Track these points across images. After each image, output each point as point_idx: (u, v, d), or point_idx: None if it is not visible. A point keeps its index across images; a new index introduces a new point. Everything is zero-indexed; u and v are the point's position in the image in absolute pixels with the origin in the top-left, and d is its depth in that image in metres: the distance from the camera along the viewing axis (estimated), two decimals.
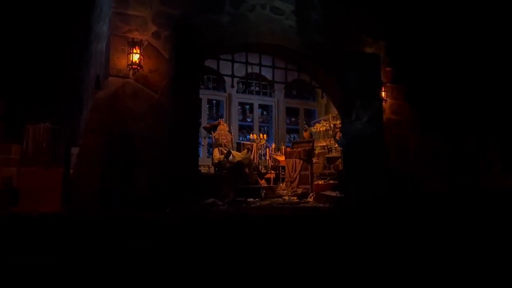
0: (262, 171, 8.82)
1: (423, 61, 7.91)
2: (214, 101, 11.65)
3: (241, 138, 10.84)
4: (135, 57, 5.33)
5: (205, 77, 11.47)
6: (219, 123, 8.27)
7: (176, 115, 5.49)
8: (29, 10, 7.30)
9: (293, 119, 12.59)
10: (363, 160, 6.58)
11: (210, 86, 11.46)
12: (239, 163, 7.50)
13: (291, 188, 7.84)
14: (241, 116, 12.13)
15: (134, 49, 5.34)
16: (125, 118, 5.37)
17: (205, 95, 11.16)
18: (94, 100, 5.22)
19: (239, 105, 12.02)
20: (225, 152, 7.79)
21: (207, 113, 11.66)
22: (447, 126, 7.93)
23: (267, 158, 9.29)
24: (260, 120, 12.21)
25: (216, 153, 7.78)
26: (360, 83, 6.73)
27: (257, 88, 12.04)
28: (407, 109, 7.71)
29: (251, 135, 9.69)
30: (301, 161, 7.83)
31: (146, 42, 5.61)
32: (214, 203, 6.37)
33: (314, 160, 8.34)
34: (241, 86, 11.80)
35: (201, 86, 11.50)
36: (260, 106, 12.11)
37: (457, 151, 7.89)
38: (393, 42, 7.68)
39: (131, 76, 5.45)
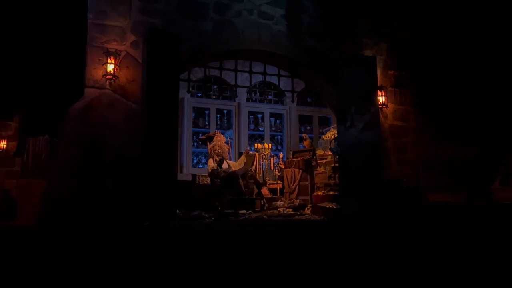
0: (267, 180, 8.55)
1: (430, 63, 7.38)
2: (226, 111, 11.55)
3: (253, 148, 10.61)
4: (110, 68, 5.27)
5: (215, 86, 11.45)
6: (214, 134, 8.10)
7: (154, 125, 5.35)
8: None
9: (308, 127, 12.24)
10: (359, 170, 6.17)
11: (213, 95, 11.36)
12: (232, 173, 7.28)
13: (289, 200, 7.51)
14: (253, 126, 11.93)
15: (109, 59, 5.28)
16: (101, 130, 5.30)
17: (214, 104, 11.08)
18: (69, 112, 5.19)
19: (251, 115, 11.83)
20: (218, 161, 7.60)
21: (218, 123, 11.57)
22: (460, 133, 7.32)
23: (272, 168, 9.00)
24: (273, 129, 11.95)
25: (211, 163, 7.61)
26: (355, 88, 6.35)
27: (269, 97, 11.82)
28: (413, 115, 7.21)
29: (256, 144, 9.44)
30: (300, 171, 7.49)
31: (124, 52, 5.55)
32: (200, 216, 6.18)
33: (321, 169, 7.95)
34: (253, 95, 11.63)
35: (213, 96, 11.50)
36: (273, 114, 11.87)
37: (470, 162, 7.26)
38: (396, 44, 7.23)
39: (107, 86, 5.40)
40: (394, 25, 7.21)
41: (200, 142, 9.09)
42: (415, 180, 6.90)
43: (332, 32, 6.84)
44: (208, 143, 8.03)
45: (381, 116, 6.92)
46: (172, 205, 5.47)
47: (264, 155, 8.87)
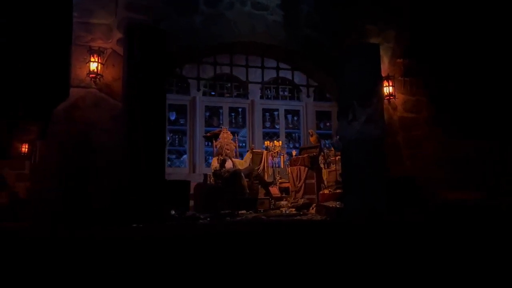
0: (278, 179, 8.24)
1: (444, 50, 6.80)
2: (240, 109, 11.32)
3: (263, 146, 10.33)
4: (93, 66, 5.17)
5: (228, 84, 11.24)
6: (220, 131, 7.87)
7: (137, 124, 5.19)
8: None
9: (327, 124, 11.81)
10: (361, 166, 5.75)
11: (227, 93, 11.15)
12: (235, 173, 7.03)
13: (294, 199, 7.16)
14: (269, 123, 11.64)
15: (92, 57, 5.18)
16: (87, 129, 5.20)
17: (227, 103, 10.90)
18: (54, 112, 5.13)
19: (267, 112, 11.55)
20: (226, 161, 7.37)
21: (233, 121, 11.36)
22: (478, 126, 6.68)
23: (282, 166, 8.68)
24: (291, 126, 11.61)
25: (214, 162, 7.40)
26: (357, 78, 5.92)
27: (284, 93, 11.50)
28: (426, 105, 6.66)
29: (265, 142, 9.14)
30: (306, 169, 7.12)
31: (110, 50, 5.43)
32: (194, 217, 5.98)
33: (333, 167, 7.55)
34: (267, 92, 11.35)
35: (227, 94, 11.31)
36: (289, 111, 11.53)
37: (490, 156, 6.61)
38: (404, 30, 6.71)
39: (93, 86, 5.30)
40: (402, 10, 6.69)
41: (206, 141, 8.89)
42: (428, 176, 6.35)
43: (333, 21, 6.43)
44: (214, 141, 7.82)
45: (389, 108, 6.46)
46: (159, 205, 5.28)
47: (274, 152, 8.55)
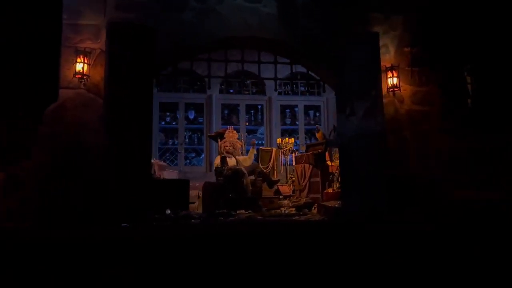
0: (289, 178, 7.99)
1: (458, 36, 6.22)
2: (260, 106, 11.13)
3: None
4: (79, 67, 5.21)
5: (248, 81, 11.09)
6: (225, 130, 7.75)
7: (119, 123, 5.16)
8: None
9: None
10: (360, 164, 5.41)
11: (246, 90, 10.98)
12: (237, 170, 6.87)
13: (296, 198, 6.88)
14: (290, 120, 11.37)
15: (78, 58, 5.22)
16: (76, 130, 5.25)
17: (244, 100, 10.75)
18: (44, 113, 5.23)
19: (287, 108, 11.29)
20: (228, 158, 7.23)
21: (252, 119, 11.20)
22: (497, 119, 6.06)
23: (294, 164, 8.40)
24: (312, 122, 11.26)
25: (217, 160, 7.28)
26: (356, 69, 5.59)
27: (303, 88, 11.16)
28: (437, 97, 6.12)
29: (278, 139, 8.89)
30: (310, 167, 6.81)
31: (99, 51, 5.44)
32: (188, 216, 5.89)
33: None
34: (284, 87, 11.08)
35: (246, 92, 11.16)
36: (309, 107, 11.19)
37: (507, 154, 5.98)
38: (412, 16, 6.21)
39: (82, 86, 5.34)
40: None
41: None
42: (438, 174, 5.85)
43: (333, 9, 6.07)
44: (219, 140, 7.71)
45: (395, 100, 6.02)
46: (144, 206, 5.23)
47: (285, 150, 8.29)
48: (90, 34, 5.49)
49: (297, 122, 11.15)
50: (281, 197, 7.53)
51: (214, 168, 7.20)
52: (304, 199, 6.61)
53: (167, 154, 10.59)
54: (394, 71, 5.87)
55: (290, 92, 11.01)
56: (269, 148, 8.29)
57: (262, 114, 10.94)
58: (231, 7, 5.85)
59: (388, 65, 5.89)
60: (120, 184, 5.01)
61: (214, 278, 3.04)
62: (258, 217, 5.86)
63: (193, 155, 10.89)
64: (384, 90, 5.90)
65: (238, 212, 6.29)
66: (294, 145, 8.45)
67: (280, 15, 5.97)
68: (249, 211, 6.41)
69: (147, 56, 5.31)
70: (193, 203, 8.06)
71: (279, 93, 10.88)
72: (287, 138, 8.55)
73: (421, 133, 6.01)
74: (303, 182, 6.92)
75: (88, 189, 5.05)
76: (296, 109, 11.18)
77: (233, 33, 5.86)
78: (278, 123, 10.72)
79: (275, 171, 7.97)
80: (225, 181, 6.86)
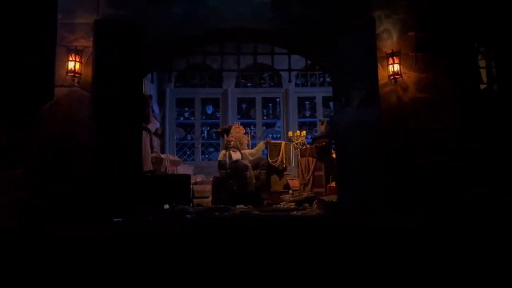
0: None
1: (471, 18, 5.75)
2: (278, 99, 10.97)
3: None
4: (71, 65, 5.32)
5: (265, 75, 10.96)
6: (231, 127, 7.70)
7: (116, 121, 5.24)
8: None
9: None
10: (356, 157, 5.16)
11: (264, 83, 10.84)
12: (237, 164, 6.79)
13: (299, 193, 6.68)
14: (309, 112, 11.13)
15: (70, 56, 5.33)
16: (70, 127, 5.38)
17: (260, 93, 10.64)
18: (39, 111, 5.39)
19: (306, 100, 11.05)
20: (232, 152, 7.16)
21: (270, 112, 11.06)
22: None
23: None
24: (332, 114, 10.94)
25: (222, 154, 7.24)
26: (351, 56, 5.32)
27: (321, 79, 10.87)
28: (444, 84, 5.69)
29: (289, 132, 8.70)
30: (314, 160, 6.59)
31: (91, 49, 5.53)
32: (183, 211, 5.89)
33: None
34: (301, 79, 10.83)
35: (264, 85, 11.03)
36: (328, 98, 10.87)
37: None
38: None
39: (76, 84, 5.46)
40: None
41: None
42: (446, 169, 5.46)
43: None
44: (226, 136, 7.66)
45: (398, 88, 5.67)
46: (136, 201, 5.28)
47: (296, 143, 8.09)
48: (84, 33, 5.58)
49: (316, 114, 10.89)
50: (290, 191, 7.37)
51: (218, 162, 7.16)
52: (306, 193, 6.41)
53: (185, 149, 10.69)
54: (395, 57, 5.51)
55: (307, 83, 10.76)
56: (278, 141, 8.13)
57: (280, 107, 10.78)
58: None
59: (389, 51, 5.55)
60: (109, 181, 5.09)
61: (193, 277, 2.97)
62: (255, 212, 5.74)
63: (212, 150, 10.93)
64: (385, 77, 5.58)
65: (237, 206, 6.22)
66: (306, 138, 8.21)
67: (274, 3, 5.79)
68: (249, 205, 6.31)
69: (136, 52, 5.34)
70: (207, 197, 8.09)
71: (296, 85, 10.66)
72: (298, 131, 8.33)
73: (426, 123, 5.62)
74: (307, 176, 6.71)
75: (81, 185, 5.16)
76: (316, 100, 10.92)
77: (224, 24, 5.76)
78: (295, 115, 10.52)
79: (284, 165, 7.80)
80: (227, 174, 6.80)
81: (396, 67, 5.51)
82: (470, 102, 5.67)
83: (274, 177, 7.56)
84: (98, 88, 5.08)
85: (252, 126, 10.74)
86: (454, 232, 4.08)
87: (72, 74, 5.34)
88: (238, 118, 10.70)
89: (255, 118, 10.78)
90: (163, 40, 5.69)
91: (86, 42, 5.56)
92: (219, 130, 8.17)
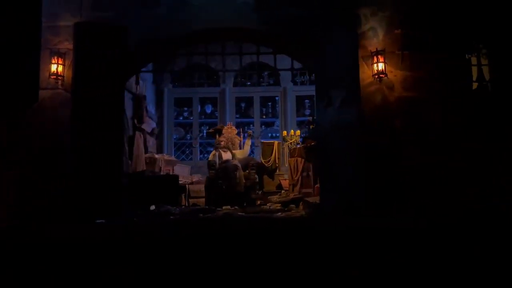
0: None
1: (461, 13, 5.59)
2: (277, 98, 10.90)
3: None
4: (53, 68, 5.37)
5: (265, 73, 10.89)
6: (222, 127, 7.67)
7: (97, 123, 5.27)
8: None
9: None
10: (338, 157, 5.09)
11: (262, 82, 10.77)
12: (227, 164, 6.77)
13: (288, 193, 6.62)
14: (310, 111, 11.01)
15: (53, 59, 5.38)
16: (55, 129, 5.43)
17: (258, 92, 10.59)
18: (24, 113, 5.46)
19: (306, 99, 10.95)
20: (223, 152, 7.14)
21: (270, 111, 10.99)
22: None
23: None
24: None
25: (211, 155, 7.22)
26: (334, 56, 5.24)
27: None
28: (432, 82, 5.55)
29: (284, 132, 8.63)
30: (302, 160, 6.52)
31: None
32: (167, 212, 5.90)
33: None
34: (301, 77, 10.74)
35: (263, 83, 10.96)
36: None
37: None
38: None
39: (60, 86, 5.51)
40: None
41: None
42: (433, 168, 5.33)
43: None
44: (218, 136, 7.64)
45: (383, 88, 5.55)
46: (118, 201, 5.31)
47: (290, 143, 8.02)
48: (68, 35, 5.62)
49: (315, 113, 10.76)
50: (282, 191, 7.33)
51: (207, 162, 7.15)
52: (293, 194, 6.35)
53: (183, 148, 10.71)
54: (379, 56, 5.39)
55: (306, 81, 10.66)
56: (271, 141, 8.07)
57: (279, 106, 10.71)
58: None
59: (378, 49, 5.43)
60: (90, 182, 5.12)
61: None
62: (239, 213, 5.71)
63: (211, 149, 10.91)
64: (371, 77, 5.47)
65: (223, 207, 6.20)
66: (300, 138, 8.13)
67: (258, 2, 5.72)
68: (236, 206, 6.29)
69: (118, 54, 5.35)
70: (203, 197, 8.09)
71: (295, 84, 10.56)
72: (292, 131, 8.26)
73: (413, 122, 5.50)
74: (295, 176, 6.64)
75: (63, 186, 5.22)
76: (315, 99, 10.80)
77: (208, 24, 5.73)
78: (294, 114, 10.42)
79: (277, 165, 7.75)
80: (216, 174, 6.79)
81: (381, 66, 5.39)
82: (460, 101, 5.52)
83: (267, 177, 7.52)
84: (79, 90, 5.12)
85: (251, 125, 10.72)
86: (447, 232, 3.99)
87: (55, 76, 5.39)
88: (237, 117, 10.68)
89: (253, 117, 10.74)
90: (148, 41, 5.69)
91: (70, 45, 5.60)
92: (210, 130, 8.15)
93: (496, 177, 5.36)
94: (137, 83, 6.65)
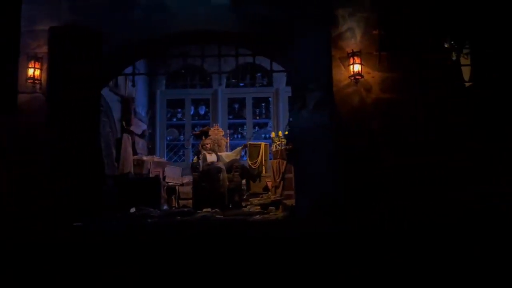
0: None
1: (440, 13, 5.49)
2: (271, 99, 10.85)
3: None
4: (30, 72, 5.41)
5: (258, 74, 10.85)
6: (209, 129, 7.66)
7: (78, 123, 5.31)
8: None
9: None
10: (312, 160, 5.05)
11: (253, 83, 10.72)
12: (211, 167, 6.76)
13: (268, 196, 6.59)
14: None
15: (30, 63, 5.43)
16: (33, 133, 5.48)
17: (250, 93, 10.56)
18: (2, 118, 5.52)
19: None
20: (208, 154, 7.14)
21: (263, 112, 10.96)
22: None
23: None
24: None
25: (195, 158, 7.23)
26: (308, 57, 5.20)
27: None
28: (411, 84, 5.46)
29: (272, 133, 8.58)
30: (284, 162, 6.47)
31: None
32: (145, 215, 5.91)
33: None
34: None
35: (257, 84, 10.91)
36: None
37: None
38: None
39: (38, 90, 5.55)
40: None
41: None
42: (413, 170, 5.25)
43: None
44: (203, 138, 7.64)
45: (361, 89, 5.49)
46: (98, 204, 5.34)
47: (277, 144, 7.96)
48: (46, 39, 5.65)
49: None
50: (269, 193, 7.29)
51: (191, 164, 7.15)
52: (274, 196, 6.31)
53: (177, 150, 10.74)
54: (356, 57, 5.32)
55: None
56: (258, 143, 8.03)
57: (271, 107, 10.67)
58: (181, 1, 5.70)
59: (350, 51, 5.36)
60: (68, 185, 5.16)
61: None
62: (218, 216, 5.70)
63: None
64: (347, 78, 5.41)
65: (203, 210, 6.20)
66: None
67: (233, 4, 5.69)
68: (216, 209, 6.28)
69: (94, 58, 5.37)
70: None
71: (287, 84, 10.49)
72: (280, 132, 8.22)
73: (392, 123, 5.42)
74: (278, 178, 6.60)
75: (41, 190, 5.26)
76: None
77: (185, 27, 5.72)
78: (286, 115, 10.35)
79: (263, 167, 7.71)
80: (200, 177, 6.78)
81: (357, 67, 5.32)
82: (440, 101, 5.42)
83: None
84: (55, 94, 5.16)
85: (244, 126, 10.71)
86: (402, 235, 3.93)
87: (32, 81, 5.43)
88: (230, 118, 10.68)
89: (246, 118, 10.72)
90: (124, 45, 5.71)
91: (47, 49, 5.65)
92: (196, 133, 8.15)
93: (477, 178, 5.26)
94: (116, 86, 6.68)
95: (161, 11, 5.70)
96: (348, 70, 5.39)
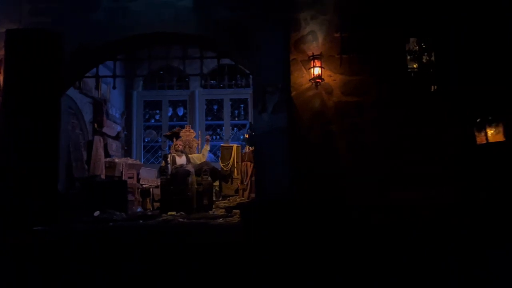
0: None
1: (402, 17, 5.50)
2: (249, 100, 10.81)
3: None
4: None
5: (238, 75, 10.80)
6: (180, 130, 7.62)
7: (35, 128, 5.26)
8: None
9: None
10: (269, 162, 5.04)
11: (229, 84, 10.69)
12: (179, 170, 6.73)
13: (234, 198, 6.57)
14: None
15: None
16: None
17: (227, 94, 10.53)
18: None
19: None
20: (178, 157, 7.10)
21: (242, 113, 10.93)
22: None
23: None
24: None
25: (164, 161, 7.19)
26: (268, 61, 5.19)
27: None
28: (372, 86, 5.47)
29: (246, 135, 8.56)
30: (252, 165, 6.46)
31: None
32: (107, 219, 5.86)
33: None
34: None
35: (234, 85, 10.88)
36: None
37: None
38: None
39: None
40: None
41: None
42: (372, 171, 5.25)
43: None
44: (175, 139, 7.60)
45: (322, 92, 5.49)
46: (56, 208, 5.29)
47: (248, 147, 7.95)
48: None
49: None
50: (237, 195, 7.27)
51: (159, 168, 7.12)
52: (239, 199, 6.30)
53: (153, 151, 10.70)
54: (316, 61, 5.32)
55: None
56: (230, 145, 8.02)
57: (249, 108, 10.64)
58: (145, 3, 5.67)
59: (311, 54, 5.36)
60: (24, 191, 5.10)
61: None
62: (180, 219, 5.68)
63: None
64: (308, 82, 5.41)
65: (168, 213, 6.17)
66: None
67: (196, 6, 5.67)
68: (181, 212, 6.25)
69: (52, 61, 5.31)
70: None
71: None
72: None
73: (352, 126, 5.42)
74: (245, 180, 6.59)
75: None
76: None
77: (148, 29, 5.68)
78: None
79: (235, 169, 7.70)
80: (168, 180, 6.75)
81: (317, 71, 5.32)
82: (402, 102, 5.43)
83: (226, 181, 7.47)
84: (12, 98, 5.10)
85: (223, 127, 10.68)
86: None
87: None
88: (209, 120, 10.65)
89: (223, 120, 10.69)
90: (87, 47, 5.66)
91: None
92: (167, 134, 8.11)
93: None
94: (80, 88, 6.64)
95: (124, 14, 5.67)
96: (309, 73, 5.39)
